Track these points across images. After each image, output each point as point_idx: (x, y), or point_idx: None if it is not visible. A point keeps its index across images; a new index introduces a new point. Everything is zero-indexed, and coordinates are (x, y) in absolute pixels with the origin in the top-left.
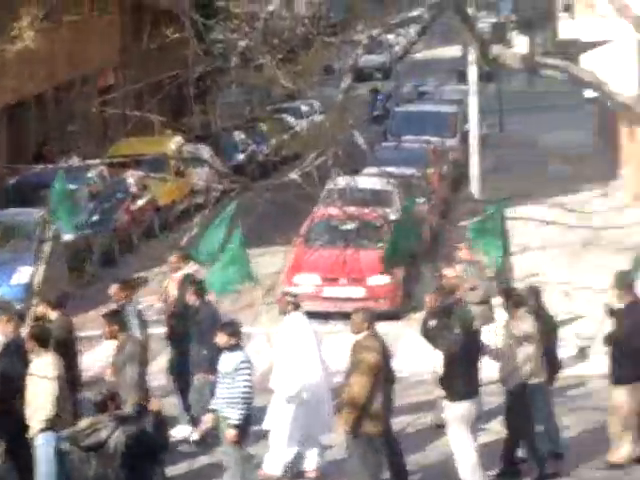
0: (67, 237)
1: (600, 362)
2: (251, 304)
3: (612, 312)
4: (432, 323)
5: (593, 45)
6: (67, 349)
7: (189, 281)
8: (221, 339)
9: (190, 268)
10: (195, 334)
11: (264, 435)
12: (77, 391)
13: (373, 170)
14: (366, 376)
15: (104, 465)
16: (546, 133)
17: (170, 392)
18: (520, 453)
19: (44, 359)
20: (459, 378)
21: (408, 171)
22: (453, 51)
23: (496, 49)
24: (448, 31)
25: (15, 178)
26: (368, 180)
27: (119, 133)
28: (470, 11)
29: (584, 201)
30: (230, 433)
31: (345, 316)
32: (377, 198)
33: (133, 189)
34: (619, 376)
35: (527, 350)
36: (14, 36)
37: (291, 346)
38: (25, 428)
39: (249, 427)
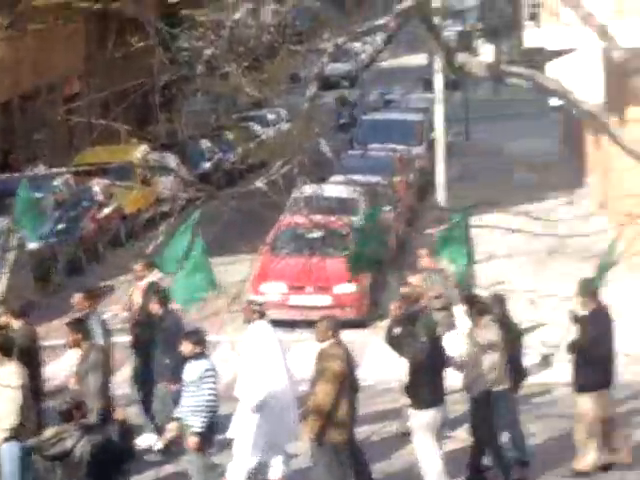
0: (32, 246)
1: (565, 370)
2: (217, 312)
3: (576, 319)
4: (397, 331)
5: (558, 53)
6: (31, 358)
7: (153, 290)
8: (186, 348)
9: (154, 276)
10: (159, 343)
11: (228, 444)
12: (41, 400)
13: (339, 178)
14: (331, 384)
15: (69, 474)
16: (512, 141)
17: (134, 401)
18: (486, 461)
19: (7, 368)
20: (425, 386)
21: (374, 179)
22: (419, 59)
23: (462, 57)
24: (414, 39)
25: None
26: (334, 188)
27: (85, 141)
28: (436, 20)
29: (550, 209)
30: (192, 440)
31: (311, 324)
32: (343, 206)
33: (99, 197)
34: (584, 383)
35: (492, 358)
36: None
37: (255, 355)
38: None
39: (213, 435)
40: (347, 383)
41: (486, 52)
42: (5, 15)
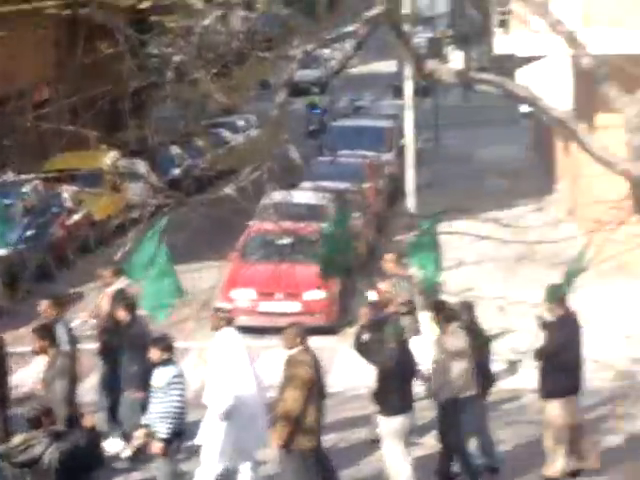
0: (0, 252)
1: (534, 376)
2: (185, 319)
3: (544, 325)
4: (365, 337)
5: (528, 60)
6: None
7: (120, 297)
8: (154, 354)
9: (122, 283)
10: (126, 350)
11: (196, 450)
12: (7, 407)
13: (309, 185)
14: (299, 390)
15: None
16: (482, 148)
17: (102, 408)
18: (455, 467)
19: None
20: (393, 393)
21: (343, 185)
22: (389, 66)
23: (432, 64)
24: (384, 46)
25: None
26: (303, 195)
27: (54, 148)
28: (406, 26)
29: (519, 216)
30: (156, 446)
31: (281, 331)
32: (312, 212)
33: (68, 204)
34: (552, 389)
35: (460, 365)
36: None
37: (223, 362)
38: None
39: (180, 442)
40: (315, 390)
41: (456, 59)
42: None
